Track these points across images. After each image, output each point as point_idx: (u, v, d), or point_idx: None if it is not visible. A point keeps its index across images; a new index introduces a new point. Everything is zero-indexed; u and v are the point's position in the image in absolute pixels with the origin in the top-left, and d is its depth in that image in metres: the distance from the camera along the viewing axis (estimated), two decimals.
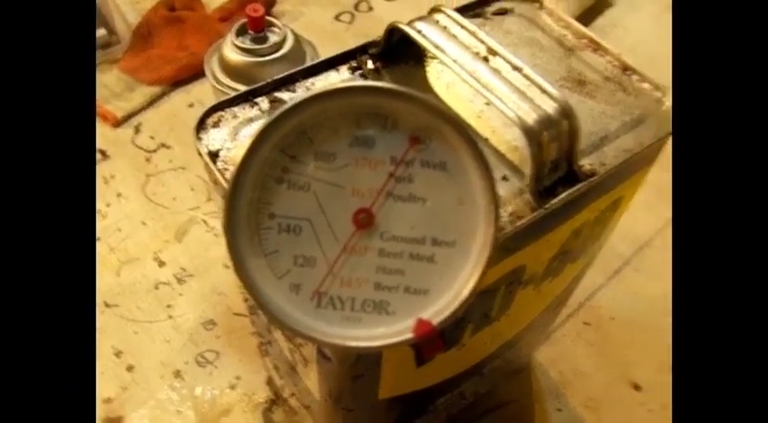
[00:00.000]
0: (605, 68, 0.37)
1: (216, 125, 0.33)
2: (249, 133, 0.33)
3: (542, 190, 0.30)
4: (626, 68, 0.37)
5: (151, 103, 0.84)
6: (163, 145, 0.80)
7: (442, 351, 0.26)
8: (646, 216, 0.72)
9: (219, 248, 0.70)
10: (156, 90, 0.84)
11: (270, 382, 0.59)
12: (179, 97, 0.86)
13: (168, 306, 0.66)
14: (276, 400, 0.59)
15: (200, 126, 0.33)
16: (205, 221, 0.72)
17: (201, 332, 0.64)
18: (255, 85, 0.34)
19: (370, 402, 0.38)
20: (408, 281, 0.26)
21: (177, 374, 0.61)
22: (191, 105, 0.84)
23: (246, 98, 0.34)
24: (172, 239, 0.71)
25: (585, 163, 0.32)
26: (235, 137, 0.33)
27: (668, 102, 0.35)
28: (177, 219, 0.73)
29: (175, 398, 0.59)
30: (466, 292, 0.25)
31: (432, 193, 0.26)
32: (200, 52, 0.85)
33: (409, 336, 0.25)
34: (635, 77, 0.36)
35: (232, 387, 0.60)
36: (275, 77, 0.35)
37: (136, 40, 0.88)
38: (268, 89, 0.35)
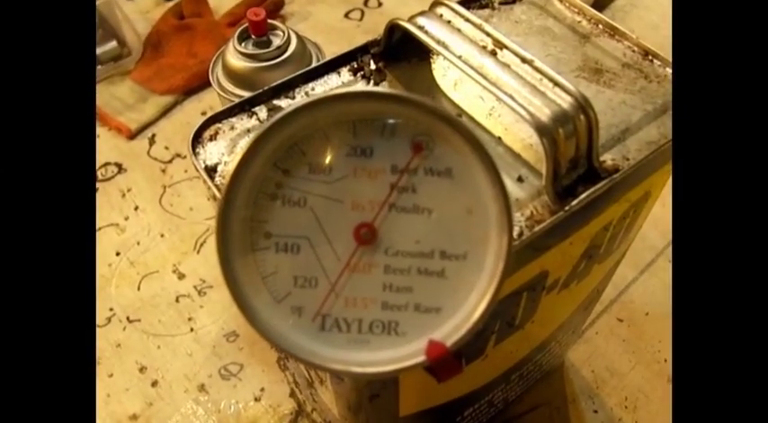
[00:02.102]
0: (624, 55, 0.34)
1: (213, 138, 0.32)
2: None
3: (561, 190, 0.28)
4: (647, 53, 0.34)
5: (164, 113, 0.83)
6: (177, 155, 0.79)
7: (458, 373, 0.24)
8: None
9: None
10: (168, 100, 0.83)
11: (293, 394, 0.58)
12: (191, 106, 0.85)
13: (189, 319, 0.65)
14: (301, 411, 0.57)
15: (197, 140, 0.32)
16: None
17: (224, 344, 0.63)
18: (252, 94, 0.33)
19: (392, 420, 0.36)
20: (418, 298, 0.24)
21: (201, 388, 0.60)
22: (203, 113, 0.83)
23: (244, 108, 0.33)
24: (190, 251, 0.70)
25: (607, 158, 0.30)
26: (233, 150, 0.31)
27: None
28: (195, 229, 0.72)
29: (200, 412, 0.58)
30: (481, 309, 0.23)
31: (438, 203, 0.24)
32: (210, 59, 0.84)
33: (421, 359, 0.23)
34: (657, 62, 0.34)
35: (257, 399, 0.59)
36: (273, 84, 0.33)
37: (147, 50, 0.88)
38: (266, 97, 0.33)
